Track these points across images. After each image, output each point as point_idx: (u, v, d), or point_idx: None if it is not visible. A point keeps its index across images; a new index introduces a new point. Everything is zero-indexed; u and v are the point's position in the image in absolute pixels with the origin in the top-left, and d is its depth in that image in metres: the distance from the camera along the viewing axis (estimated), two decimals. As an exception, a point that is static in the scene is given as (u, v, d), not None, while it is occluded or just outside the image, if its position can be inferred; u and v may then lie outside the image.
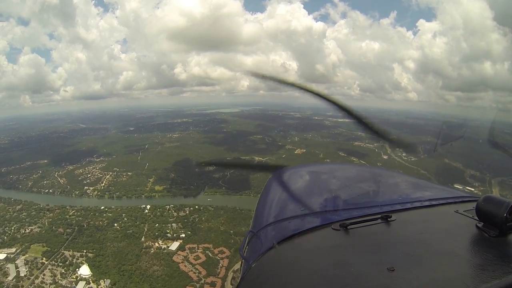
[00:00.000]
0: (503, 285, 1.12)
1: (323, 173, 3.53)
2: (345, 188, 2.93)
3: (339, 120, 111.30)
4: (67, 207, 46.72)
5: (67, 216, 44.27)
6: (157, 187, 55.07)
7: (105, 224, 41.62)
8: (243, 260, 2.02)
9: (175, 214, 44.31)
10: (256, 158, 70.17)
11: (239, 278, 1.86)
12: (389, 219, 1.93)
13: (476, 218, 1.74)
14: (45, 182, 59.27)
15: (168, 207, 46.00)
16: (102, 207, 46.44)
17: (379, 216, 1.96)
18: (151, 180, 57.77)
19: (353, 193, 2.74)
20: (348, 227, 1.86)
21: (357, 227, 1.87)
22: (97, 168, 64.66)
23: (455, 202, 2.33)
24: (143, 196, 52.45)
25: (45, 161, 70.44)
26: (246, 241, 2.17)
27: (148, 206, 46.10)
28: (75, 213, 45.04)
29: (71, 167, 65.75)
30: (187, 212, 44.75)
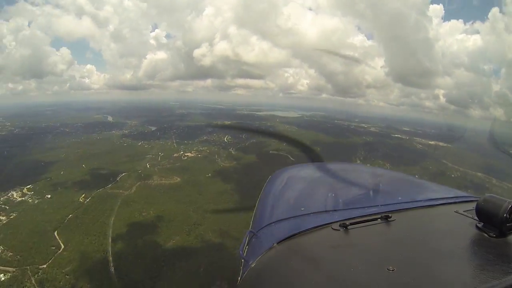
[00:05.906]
0: (503, 285, 1.13)
1: (323, 173, 3.56)
2: (345, 188, 2.93)
3: (430, 142, 66.12)
4: None
5: None
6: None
7: None
8: (243, 260, 1.98)
9: None
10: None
11: (239, 278, 1.84)
12: (389, 219, 1.92)
13: (476, 218, 1.71)
14: None
15: None
16: None
17: (379, 216, 1.94)
18: None
19: (353, 193, 2.71)
20: (348, 227, 1.84)
21: (357, 227, 1.86)
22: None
23: (455, 202, 2.31)
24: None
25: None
26: (246, 241, 2.14)
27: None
28: None
29: None
30: None
